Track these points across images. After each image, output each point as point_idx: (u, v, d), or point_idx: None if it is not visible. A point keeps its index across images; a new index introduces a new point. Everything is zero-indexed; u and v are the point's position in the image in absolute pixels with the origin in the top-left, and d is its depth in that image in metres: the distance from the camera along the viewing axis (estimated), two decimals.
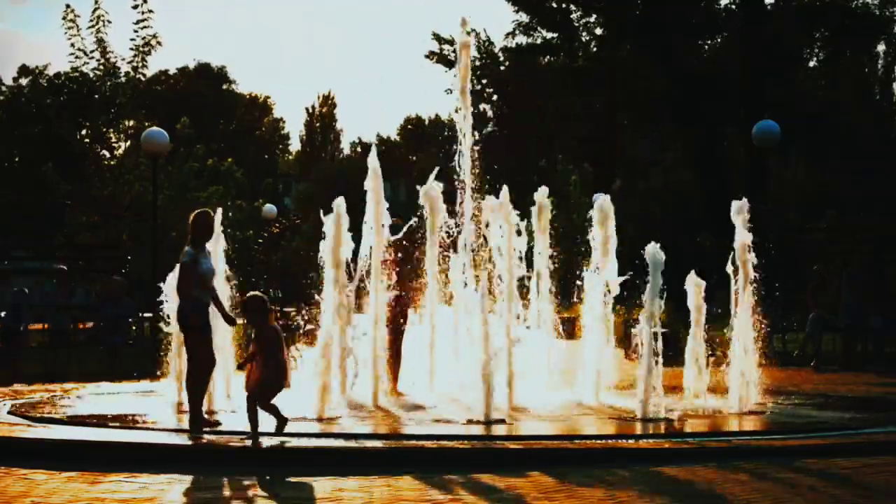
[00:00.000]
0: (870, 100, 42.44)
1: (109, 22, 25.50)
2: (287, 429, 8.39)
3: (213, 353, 9.32)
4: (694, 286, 10.65)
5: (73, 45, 25.49)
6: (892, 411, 10.36)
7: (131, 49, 25.90)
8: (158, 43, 25.89)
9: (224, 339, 10.58)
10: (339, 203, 10.68)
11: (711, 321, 10.98)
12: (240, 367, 9.09)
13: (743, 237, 10.42)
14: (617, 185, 35.54)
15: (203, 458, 7.65)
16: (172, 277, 9.87)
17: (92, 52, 25.75)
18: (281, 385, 8.44)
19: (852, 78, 39.22)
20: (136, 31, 25.61)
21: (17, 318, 18.21)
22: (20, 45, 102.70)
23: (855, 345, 18.10)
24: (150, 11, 25.43)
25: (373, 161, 11.22)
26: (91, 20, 25.37)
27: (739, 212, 10.50)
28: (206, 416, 9.16)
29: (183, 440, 8.53)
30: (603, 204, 11.33)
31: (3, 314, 18.99)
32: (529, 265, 11.49)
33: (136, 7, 25.37)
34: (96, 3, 25.28)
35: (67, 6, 25.02)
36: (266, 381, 8.37)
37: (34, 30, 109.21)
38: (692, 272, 10.67)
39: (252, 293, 8.93)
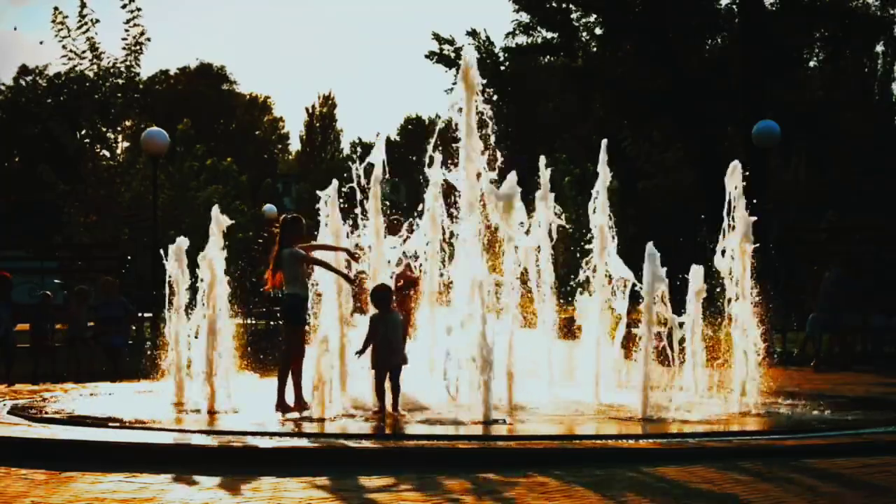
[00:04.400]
0: (870, 100, 42.44)
1: (98, 21, 25.50)
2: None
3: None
4: (693, 273, 10.28)
5: (64, 46, 25.51)
6: (892, 411, 10.36)
7: (123, 49, 25.92)
8: (147, 39, 25.86)
9: (225, 338, 10.62)
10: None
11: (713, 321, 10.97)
12: (359, 353, 10.19)
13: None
14: (615, 185, 35.45)
15: (203, 458, 7.64)
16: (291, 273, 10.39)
17: (84, 52, 25.76)
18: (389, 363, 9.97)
19: (852, 78, 39.23)
20: (126, 31, 25.62)
21: (44, 318, 18.21)
22: (20, 45, 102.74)
23: (847, 345, 18.17)
24: (139, 10, 25.42)
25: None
26: (80, 22, 25.35)
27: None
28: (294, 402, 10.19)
29: (182, 440, 8.53)
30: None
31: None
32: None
33: (124, 6, 25.35)
34: (83, 5, 25.27)
35: (56, 9, 25.04)
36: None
37: (34, 30, 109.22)
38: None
39: (380, 283, 10.48)
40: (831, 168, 36.83)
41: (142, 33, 25.62)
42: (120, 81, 26.21)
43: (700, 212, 31.53)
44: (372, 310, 10.35)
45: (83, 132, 27.68)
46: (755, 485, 6.51)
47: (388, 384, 10.12)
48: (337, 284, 11.07)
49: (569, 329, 12.15)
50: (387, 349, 9.98)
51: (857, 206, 32.63)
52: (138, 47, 25.75)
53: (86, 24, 25.30)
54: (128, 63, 25.97)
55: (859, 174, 35.45)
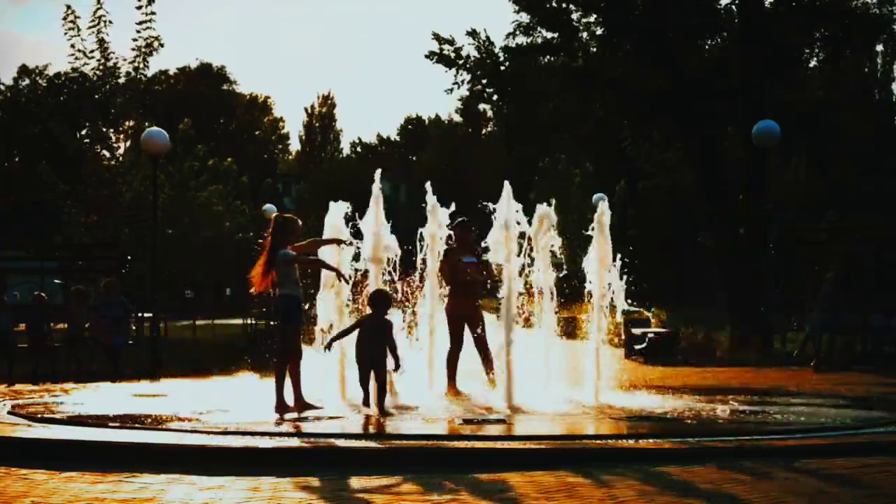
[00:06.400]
0: (870, 100, 42.45)
1: (111, 22, 25.56)
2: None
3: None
4: None
5: (72, 45, 25.53)
6: (892, 411, 10.36)
7: (133, 49, 25.93)
8: (161, 45, 25.96)
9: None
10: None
11: (712, 321, 10.99)
12: (327, 346, 10.44)
13: None
14: (622, 186, 35.62)
15: (203, 458, 7.63)
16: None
17: (92, 52, 25.80)
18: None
19: (852, 78, 39.22)
20: (138, 32, 25.65)
21: (41, 318, 18.22)
22: (20, 45, 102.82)
23: (847, 345, 18.18)
24: (153, 13, 25.51)
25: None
26: (92, 20, 25.42)
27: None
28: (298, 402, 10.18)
29: (182, 440, 8.52)
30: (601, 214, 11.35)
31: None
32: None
33: (139, 8, 25.41)
34: (98, 3, 25.32)
35: (68, 7, 25.08)
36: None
37: (34, 30, 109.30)
38: None
39: (379, 288, 10.70)
40: (831, 168, 36.85)
41: (156, 38, 25.72)
42: (121, 81, 26.21)
43: (700, 212, 31.66)
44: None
45: (83, 132, 27.70)
46: (755, 485, 6.51)
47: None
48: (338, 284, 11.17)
49: (569, 329, 12.15)
50: (367, 343, 10.01)
51: (857, 206, 32.67)
52: (148, 49, 25.78)
53: (98, 23, 25.32)
54: (136, 65, 25.99)
55: (859, 174, 35.49)
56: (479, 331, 11.58)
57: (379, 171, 11.82)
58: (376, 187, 11.54)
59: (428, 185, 11.41)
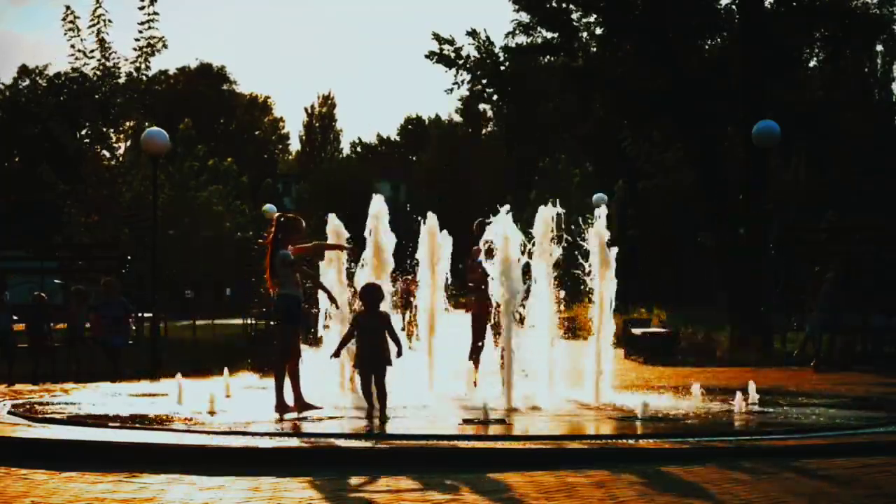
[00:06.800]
0: (870, 100, 42.46)
1: (110, 21, 25.55)
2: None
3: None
4: None
5: (72, 45, 25.51)
6: (892, 411, 10.36)
7: (135, 49, 25.91)
8: (164, 46, 25.95)
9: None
10: None
11: (712, 321, 10.99)
12: (334, 354, 10.30)
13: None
14: (620, 185, 35.63)
15: (203, 458, 7.64)
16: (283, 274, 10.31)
17: (92, 52, 25.78)
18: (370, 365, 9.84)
19: (852, 78, 39.23)
20: (140, 32, 25.63)
21: (41, 318, 18.23)
22: (20, 45, 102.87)
23: (847, 345, 18.17)
24: (156, 14, 25.49)
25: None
26: (92, 20, 25.40)
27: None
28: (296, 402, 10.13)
29: (182, 440, 8.52)
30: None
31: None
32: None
33: (141, 8, 25.38)
34: (98, 2, 25.29)
35: (67, 7, 25.06)
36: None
37: (34, 30, 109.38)
38: None
39: (370, 282, 10.59)
40: (831, 168, 36.85)
41: (160, 38, 25.72)
42: (121, 81, 26.20)
43: (700, 212, 31.67)
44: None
45: (83, 132, 27.69)
46: (755, 485, 6.51)
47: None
48: (339, 285, 11.24)
49: (570, 329, 12.14)
50: (368, 349, 9.85)
51: (857, 206, 32.67)
52: (150, 49, 25.76)
53: (98, 22, 25.30)
54: (137, 65, 25.98)
55: (859, 174, 35.49)
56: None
57: (379, 196, 11.88)
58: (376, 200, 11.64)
59: (432, 224, 11.68)
